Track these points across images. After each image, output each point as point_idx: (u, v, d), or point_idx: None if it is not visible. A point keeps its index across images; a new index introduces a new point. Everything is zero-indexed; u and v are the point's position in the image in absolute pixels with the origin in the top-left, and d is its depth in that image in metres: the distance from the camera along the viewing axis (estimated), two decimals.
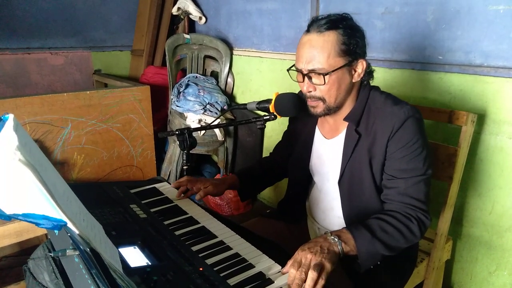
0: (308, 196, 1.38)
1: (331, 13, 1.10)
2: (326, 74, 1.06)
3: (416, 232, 1.05)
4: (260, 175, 1.45)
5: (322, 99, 1.11)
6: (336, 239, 0.96)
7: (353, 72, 1.11)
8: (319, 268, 0.88)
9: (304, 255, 0.91)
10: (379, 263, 1.07)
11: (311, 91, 1.11)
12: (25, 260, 1.04)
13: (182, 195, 1.27)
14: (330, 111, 1.13)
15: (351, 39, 1.06)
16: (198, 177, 1.34)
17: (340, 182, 1.18)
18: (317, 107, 1.13)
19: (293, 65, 1.14)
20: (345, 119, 1.15)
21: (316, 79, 1.08)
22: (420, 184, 1.07)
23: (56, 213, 0.55)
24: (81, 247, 0.59)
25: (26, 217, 0.54)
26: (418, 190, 1.07)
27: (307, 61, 1.07)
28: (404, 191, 1.07)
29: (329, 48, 1.05)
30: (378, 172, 1.12)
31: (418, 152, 1.07)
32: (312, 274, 0.86)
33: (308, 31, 1.09)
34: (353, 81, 1.12)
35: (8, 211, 0.52)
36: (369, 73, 1.16)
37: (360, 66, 1.10)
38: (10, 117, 0.58)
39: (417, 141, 1.07)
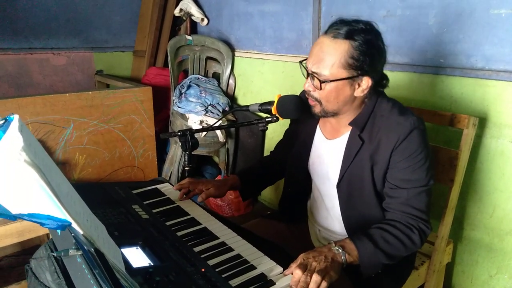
0: (309, 196, 1.39)
1: (358, 20, 1.06)
2: (323, 82, 1.06)
3: (417, 241, 1.07)
4: (261, 174, 1.46)
5: (319, 101, 1.11)
6: (340, 250, 0.99)
7: (357, 87, 1.08)
8: (323, 274, 0.90)
9: (310, 262, 0.93)
10: (379, 271, 1.10)
11: (310, 91, 1.12)
12: (26, 260, 1.04)
13: (184, 196, 1.27)
14: (327, 114, 1.14)
15: (362, 55, 1.03)
16: (200, 179, 1.34)
17: (339, 185, 1.19)
18: (315, 107, 1.14)
19: (306, 59, 1.13)
20: (351, 124, 1.15)
21: (316, 82, 1.09)
22: (422, 195, 1.09)
23: (61, 213, 0.56)
24: (85, 247, 0.60)
25: (31, 217, 0.54)
26: (420, 200, 1.08)
27: (313, 62, 1.07)
28: (406, 201, 1.08)
29: (336, 57, 1.03)
30: (379, 178, 1.13)
31: (421, 163, 1.08)
32: (316, 277, 0.88)
33: (326, 32, 1.07)
34: (355, 95, 1.10)
35: (14, 211, 0.53)
36: (381, 85, 1.15)
37: (365, 83, 1.07)
38: (15, 117, 0.59)
39: (421, 152, 1.07)
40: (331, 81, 1.05)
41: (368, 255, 1.01)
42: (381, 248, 1.03)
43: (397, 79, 1.83)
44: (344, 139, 1.18)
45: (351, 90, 1.08)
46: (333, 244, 1.00)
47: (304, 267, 0.91)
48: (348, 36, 1.02)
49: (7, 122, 0.58)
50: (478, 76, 1.54)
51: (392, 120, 1.09)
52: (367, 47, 1.03)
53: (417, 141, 1.07)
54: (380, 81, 1.14)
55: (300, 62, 1.15)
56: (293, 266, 0.92)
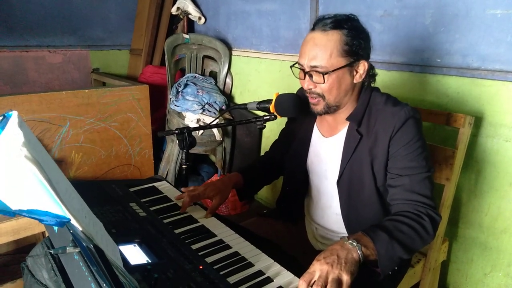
0: (306, 195, 1.39)
1: (338, 13, 1.11)
2: (326, 73, 1.07)
3: (430, 229, 1.02)
4: (262, 174, 1.45)
5: (322, 96, 1.12)
6: (354, 243, 0.91)
7: (355, 73, 1.12)
8: (337, 284, 0.83)
9: (320, 267, 0.85)
10: (396, 268, 1.04)
11: (311, 88, 1.12)
12: (21, 258, 1.04)
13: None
14: (330, 109, 1.14)
15: (355, 40, 1.07)
16: (197, 186, 1.25)
17: (339, 182, 1.19)
18: (318, 105, 1.14)
19: (297, 62, 1.14)
20: (348, 118, 1.16)
21: (316, 77, 1.09)
22: (425, 181, 1.07)
23: (60, 210, 0.55)
24: (84, 244, 0.60)
25: (30, 213, 0.54)
26: (424, 186, 1.07)
27: (309, 58, 1.08)
28: (410, 187, 1.07)
29: (331, 47, 1.06)
30: (379, 173, 1.13)
31: (420, 151, 1.08)
32: None
33: (313, 29, 1.10)
34: (354, 81, 1.13)
35: (13, 207, 0.53)
36: (371, 76, 1.17)
37: (362, 68, 1.11)
38: (14, 113, 0.58)
39: (418, 140, 1.08)
40: (332, 71, 1.07)
41: (385, 246, 0.94)
42: (396, 238, 0.96)
43: (393, 79, 1.84)
44: (342, 135, 1.19)
45: (351, 78, 1.11)
46: (346, 239, 0.92)
47: (310, 277, 0.84)
48: (337, 26, 1.07)
49: (5, 118, 0.58)
50: (474, 75, 1.55)
51: (387, 111, 1.11)
52: (356, 32, 1.08)
53: (413, 130, 1.08)
54: (369, 71, 1.15)
55: (291, 66, 1.17)
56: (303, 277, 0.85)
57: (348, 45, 1.07)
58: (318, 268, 0.85)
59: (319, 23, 1.09)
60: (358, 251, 0.90)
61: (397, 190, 1.09)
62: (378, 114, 1.12)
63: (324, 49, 1.06)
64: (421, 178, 1.07)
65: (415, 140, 1.08)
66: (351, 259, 0.88)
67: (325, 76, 1.07)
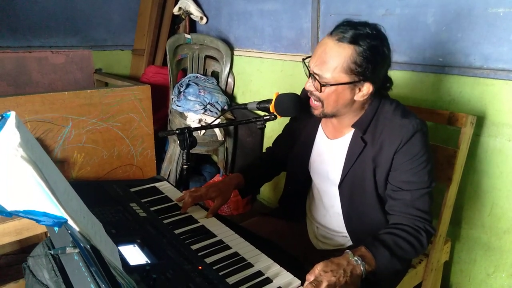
0: (308, 194, 1.39)
1: (365, 23, 1.04)
2: (323, 86, 1.06)
3: (425, 243, 1.07)
4: (262, 172, 1.45)
5: (321, 101, 1.11)
6: (359, 261, 0.95)
7: (357, 91, 1.08)
8: None
9: (327, 278, 0.88)
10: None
11: (311, 91, 1.12)
12: (24, 258, 1.04)
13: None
14: (326, 116, 1.14)
15: (365, 61, 1.01)
16: (199, 187, 1.27)
17: (340, 186, 1.19)
18: (316, 109, 1.14)
19: (309, 57, 1.11)
20: (353, 126, 1.15)
21: (317, 84, 1.08)
22: (425, 197, 1.09)
23: (57, 210, 0.56)
24: (81, 244, 0.60)
25: (27, 214, 0.54)
26: (424, 202, 1.08)
27: (316, 64, 1.06)
28: (410, 203, 1.08)
29: (338, 61, 1.02)
30: (381, 181, 1.13)
31: (423, 166, 1.08)
32: None
33: (331, 33, 1.06)
34: (355, 99, 1.09)
35: (9, 207, 0.53)
36: (385, 88, 1.15)
37: (366, 89, 1.07)
38: (12, 114, 0.59)
39: (424, 154, 1.08)
40: (331, 85, 1.05)
41: (385, 264, 1.00)
42: (396, 254, 1.01)
43: (395, 78, 1.81)
44: (346, 139, 1.18)
45: (351, 94, 1.08)
46: (351, 254, 0.96)
47: (317, 284, 0.86)
48: (353, 41, 1.01)
49: (4, 118, 0.58)
50: (476, 75, 1.54)
51: (395, 122, 1.09)
52: (371, 54, 1.01)
53: (420, 144, 1.07)
54: (383, 85, 1.14)
55: (303, 60, 1.14)
56: (310, 278, 0.88)
57: (356, 65, 1.01)
58: (326, 279, 0.87)
59: (339, 30, 1.04)
60: (362, 268, 0.95)
61: (397, 203, 1.10)
62: (386, 124, 1.11)
63: (331, 60, 1.03)
64: (422, 194, 1.08)
65: (421, 154, 1.07)
66: (355, 274, 0.93)
67: (322, 88, 1.06)
